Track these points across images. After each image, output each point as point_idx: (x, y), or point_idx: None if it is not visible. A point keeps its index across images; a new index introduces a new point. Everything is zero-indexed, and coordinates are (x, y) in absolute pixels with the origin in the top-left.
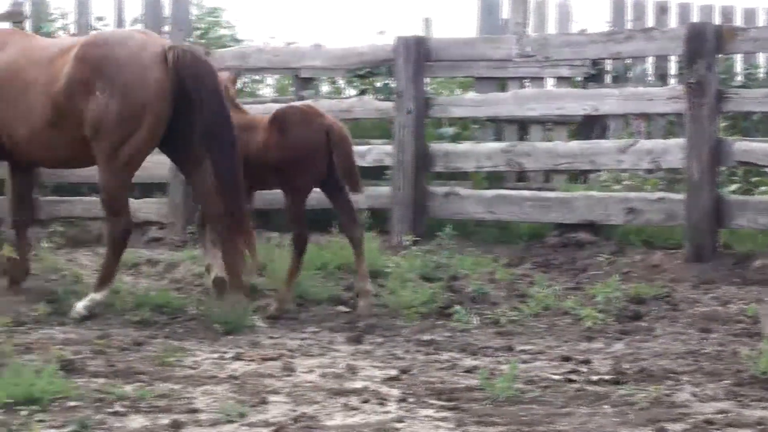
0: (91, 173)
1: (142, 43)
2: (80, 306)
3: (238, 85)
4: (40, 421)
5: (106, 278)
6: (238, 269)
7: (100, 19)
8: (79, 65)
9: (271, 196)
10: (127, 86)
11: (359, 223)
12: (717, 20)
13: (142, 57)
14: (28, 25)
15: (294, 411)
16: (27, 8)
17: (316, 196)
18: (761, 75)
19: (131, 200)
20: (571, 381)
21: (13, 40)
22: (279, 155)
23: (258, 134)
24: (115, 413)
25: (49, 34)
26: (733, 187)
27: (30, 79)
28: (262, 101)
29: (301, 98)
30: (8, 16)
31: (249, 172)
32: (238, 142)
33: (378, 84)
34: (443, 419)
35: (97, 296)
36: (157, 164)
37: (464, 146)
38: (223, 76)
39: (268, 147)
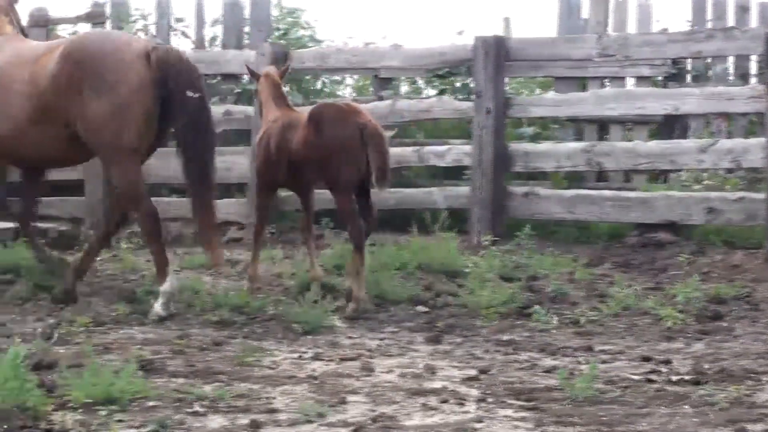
0: (171, 174)
1: (125, 42)
2: (157, 307)
3: (318, 84)
4: (119, 421)
5: (161, 268)
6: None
7: (179, 20)
8: (65, 63)
9: None
10: (112, 83)
11: (372, 229)
12: None
13: (125, 55)
14: (108, 26)
15: (373, 411)
16: (107, 9)
17: (395, 197)
18: None
19: None
20: (650, 381)
21: (8, 43)
22: (315, 152)
23: (298, 131)
24: (194, 413)
25: None
26: None
27: (16, 77)
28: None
29: (380, 98)
30: (88, 17)
31: (292, 170)
32: (214, 146)
33: (457, 84)
34: (522, 419)
35: (165, 288)
36: (235, 164)
37: (544, 146)
38: (271, 70)
39: (305, 144)
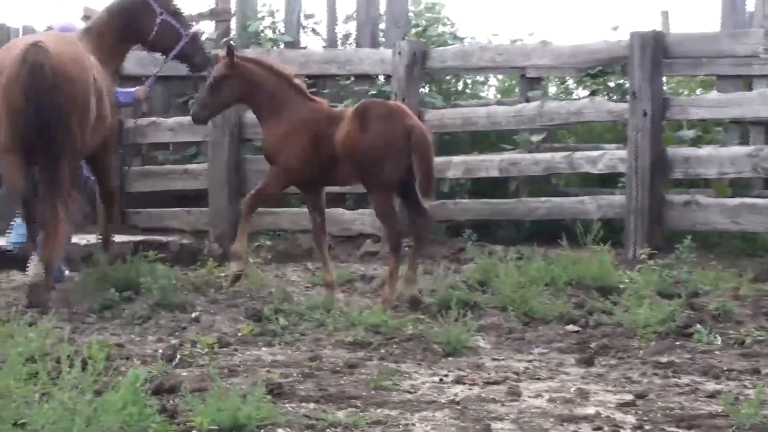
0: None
1: (16, 43)
2: None
3: (459, 85)
4: None
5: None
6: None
7: (309, 16)
8: None
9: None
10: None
11: (427, 236)
12: None
13: (11, 56)
14: (233, 23)
15: None
16: (232, 6)
17: (544, 206)
18: None
19: (343, 211)
20: None
21: None
22: (358, 148)
23: (342, 127)
24: None
25: (256, 34)
26: None
27: None
28: (486, 103)
29: (527, 100)
30: (212, 14)
31: (327, 166)
32: (70, 153)
33: (611, 84)
34: None
35: None
36: None
37: (705, 151)
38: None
39: (348, 139)
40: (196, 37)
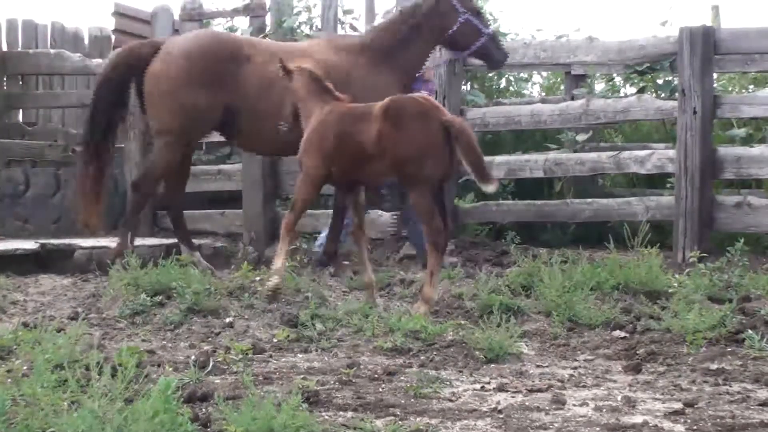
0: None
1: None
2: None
3: (503, 83)
4: None
5: None
6: None
7: (348, 12)
8: None
9: (534, 209)
10: None
11: (448, 228)
12: None
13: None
14: (268, 19)
15: None
16: (267, 1)
17: (590, 208)
18: None
19: (381, 213)
20: None
21: None
22: (393, 146)
23: (370, 124)
24: None
25: (291, 30)
26: None
27: None
28: (529, 101)
29: (572, 98)
30: (246, 10)
31: (357, 164)
32: None
33: (659, 81)
34: None
35: None
36: None
37: (758, 150)
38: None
39: (381, 138)
40: (495, 35)
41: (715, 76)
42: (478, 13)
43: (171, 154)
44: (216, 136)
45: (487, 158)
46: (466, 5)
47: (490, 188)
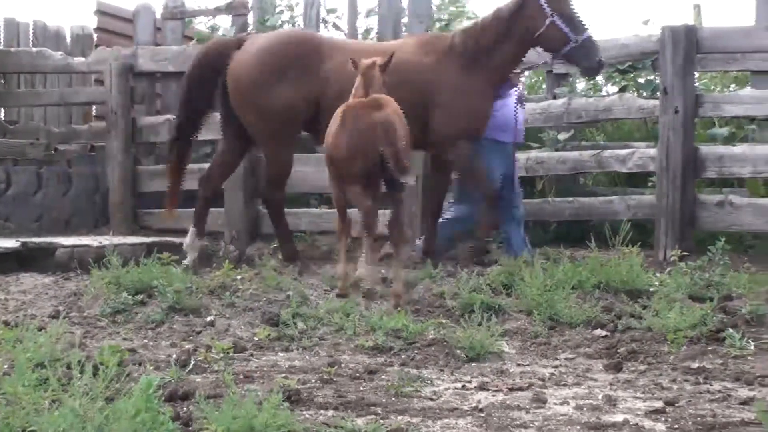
0: (321, 183)
1: None
2: None
3: None
4: None
5: None
6: None
7: (331, 11)
8: None
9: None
10: None
11: (401, 224)
12: None
13: None
14: (250, 18)
15: None
16: (250, 0)
17: (570, 207)
18: None
19: None
20: None
21: None
22: (333, 148)
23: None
24: None
25: (274, 28)
26: None
27: None
28: None
29: (554, 96)
30: (228, 8)
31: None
32: None
33: (641, 80)
34: None
35: None
36: None
37: (740, 149)
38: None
39: (335, 137)
40: (586, 42)
41: (696, 75)
42: (570, 16)
43: (279, 155)
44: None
45: None
46: (555, 6)
47: (410, 181)
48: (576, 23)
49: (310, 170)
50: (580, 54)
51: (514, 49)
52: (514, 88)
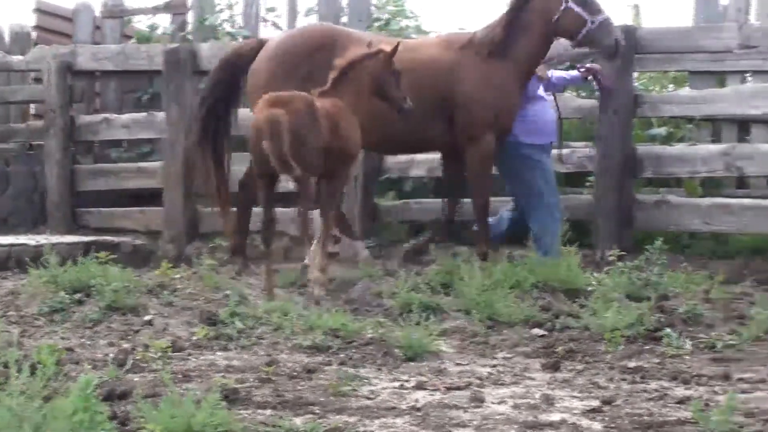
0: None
1: None
2: None
3: None
4: None
5: None
6: None
7: (270, 10)
8: None
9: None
10: None
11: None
12: None
13: None
14: (190, 16)
15: None
16: None
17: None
18: None
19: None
20: None
21: None
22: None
23: None
24: None
25: (213, 27)
26: None
27: None
28: None
29: None
30: (167, 7)
31: None
32: None
33: None
34: None
35: None
36: None
37: (677, 149)
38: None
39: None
40: (603, 24)
41: (635, 74)
42: (584, 1)
43: None
44: (138, 133)
45: (408, 156)
46: None
47: (289, 175)
48: (590, 4)
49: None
50: (598, 36)
51: (535, 41)
52: (539, 82)
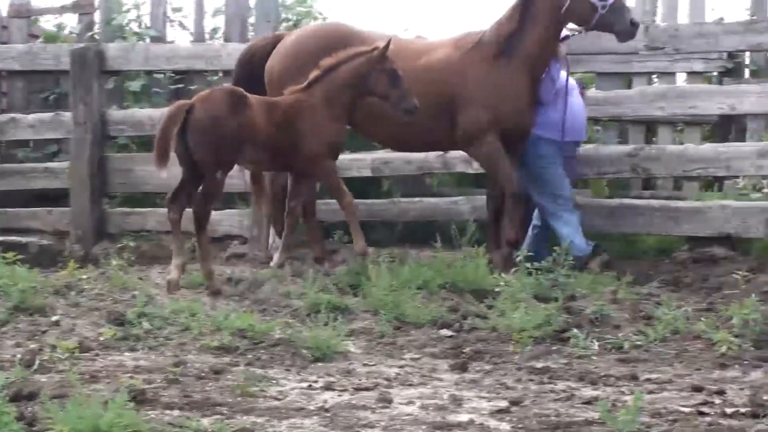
0: (166, 182)
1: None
2: None
3: None
4: None
5: None
6: None
7: (177, 10)
8: None
9: (362, 208)
10: None
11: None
12: None
13: None
14: (96, 16)
15: None
16: None
17: (416, 207)
18: None
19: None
20: (702, 414)
21: None
22: None
23: None
24: None
25: (120, 27)
26: None
27: None
28: None
29: None
30: (75, 7)
31: None
32: None
33: None
34: None
35: None
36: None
37: (583, 150)
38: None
39: None
40: (614, 6)
41: None
42: None
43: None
44: (45, 133)
45: None
46: None
47: (162, 174)
48: None
49: (155, 169)
50: (611, 19)
51: (545, 32)
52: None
